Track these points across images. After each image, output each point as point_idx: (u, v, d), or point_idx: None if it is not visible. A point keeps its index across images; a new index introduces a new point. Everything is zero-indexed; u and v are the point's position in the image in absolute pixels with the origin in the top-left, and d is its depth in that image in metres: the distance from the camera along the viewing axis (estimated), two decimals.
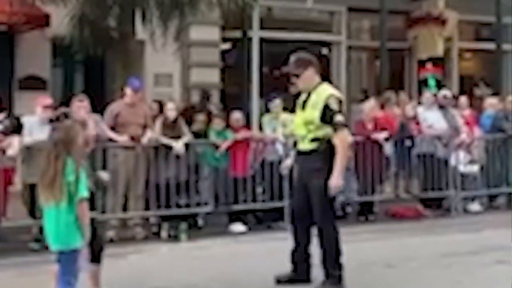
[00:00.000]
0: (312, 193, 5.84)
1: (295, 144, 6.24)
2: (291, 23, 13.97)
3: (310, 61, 6.00)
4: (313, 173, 5.80)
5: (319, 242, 5.89)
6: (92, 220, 4.99)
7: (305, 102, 5.92)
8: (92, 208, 5.21)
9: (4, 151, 7.77)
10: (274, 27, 13.60)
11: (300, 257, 6.03)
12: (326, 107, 5.73)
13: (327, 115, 5.71)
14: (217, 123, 9.05)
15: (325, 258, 5.87)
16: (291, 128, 9.02)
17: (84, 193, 4.65)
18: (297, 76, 5.94)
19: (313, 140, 5.80)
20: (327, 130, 5.76)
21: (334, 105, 5.75)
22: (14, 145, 7.69)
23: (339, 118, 5.73)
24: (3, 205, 7.88)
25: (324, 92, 5.86)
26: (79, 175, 4.63)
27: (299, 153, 6.00)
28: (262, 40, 13.40)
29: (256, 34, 13.23)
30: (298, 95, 9.60)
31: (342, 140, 5.77)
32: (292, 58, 6.02)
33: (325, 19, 14.42)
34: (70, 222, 4.64)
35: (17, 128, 7.77)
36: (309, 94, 5.93)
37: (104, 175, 5.62)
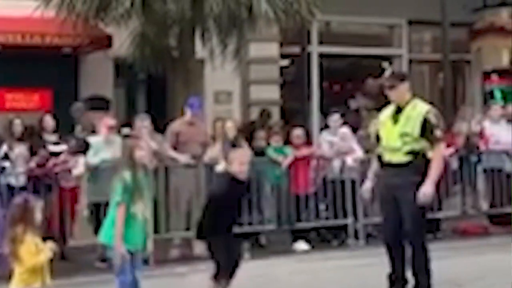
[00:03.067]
0: (405, 206, 5.82)
1: (378, 157, 6.13)
2: (350, 37, 13.84)
3: (405, 76, 6.19)
4: (408, 186, 5.79)
5: (411, 260, 5.88)
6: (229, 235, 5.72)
7: (396, 115, 5.95)
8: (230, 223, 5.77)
9: (70, 171, 7.93)
10: (333, 42, 13.50)
11: (398, 282, 6.00)
12: (425, 121, 5.81)
13: (427, 129, 5.80)
14: (276, 140, 9.01)
15: (416, 277, 5.89)
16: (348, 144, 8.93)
17: (117, 198, 5.28)
18: (391, 87, 5.98)
19: (409, 152, 5.83)
20: (423, 144, 5.83)
21: (433, 120, 5.85)
22: (79, 165, 7.83)
23: (438, 132, 5.85)
24: (70, 224, 8.01)
25: (422, 107, 5.94)
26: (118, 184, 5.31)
27: (389, 165, 5.95)
28: (321, 55, 13.32)
29: (315, 49, 13.15)
30: (357, 110, 9.42)
31: (440, 154, 5.96)
32: (388, 72, 6.15)
33: (385, 33, 14.24)
34: (111, 222, 5.36)
35: (84, 149, 7.92)
36: (400, 108, 5.95)
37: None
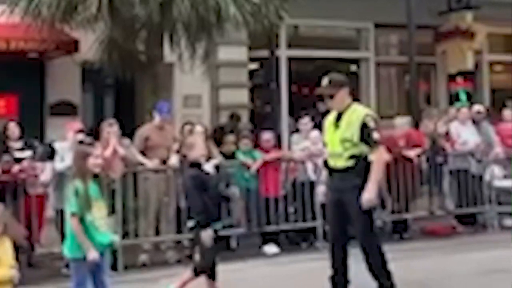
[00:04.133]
0: (352, 211, 5.88)
1: (325, 163, 6.20)
2: (318, 41, 13.95)
3: (343, 82, 6.12)
4: (352, 191, 5.85)
5: (366, 263, 5.92)
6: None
7: (337, 120, 6.00)
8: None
9: (37, 177, 7.84)
10: (301, 45, 13.59)
11: (340, 283, 6.06)
12: (364, 126, 5.86)
13: (365, 134, 5.85)
14: (245, 144, 9.03)
15: (378, 280, 5.94)
16: (319, 147, 8.99)
17: (71, 209, 5.27)
18: (331, 97, 6.02)
19: (351, 157, 5.89)
20: (363, 148, 5.88)
21: (371, 123, 5.90)
22: (46, 171, 7.75)
23: (376, 136, 5.88)
24: (38, 231, 7.92)
25: (360, 112, 5.99)
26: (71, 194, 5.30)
27: (334, 170, 6.03)
28: (290, 59, 13.40)
29: (283, 53, 13.24)
30: (327, 113, 9.54)
31: (380, 157, 5.95)
32: (326, 79, 6.11)
33: (353, 36, 14.37)
34: (69, 234, 5.35)
35: (50, 154, 7.84)
36: (340, 113, 6.00)
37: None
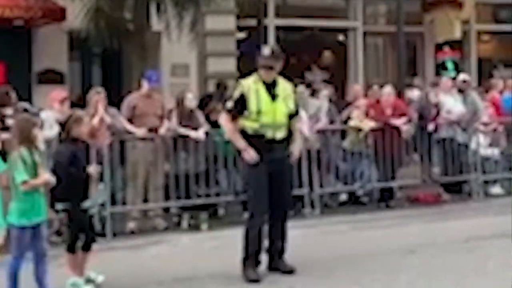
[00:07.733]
0: (286, 179, 6.15)
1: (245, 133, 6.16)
2: (306, 10, 13.90)
3: (280, 56, 6.18)
4: (286, 159, 6.15)
5: (282, 226, 6.19)
6: (85, 210, 5.82)
7: (272, 92, 6.03)
8: (85, 198, 5.81)
9: None
10: (289, 14, 13.54)
11: (252, 263, 6.18)
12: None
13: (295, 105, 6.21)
14: None
15: (284, 240, 6.23)
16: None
17: (20, 177, 5.19)
18: (271, 68, 6.05)
19: (287, 128, 6.15)
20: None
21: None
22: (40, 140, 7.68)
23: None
24: None
25: (288, 84, 6.19)
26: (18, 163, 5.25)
27: (273, 141, 6.06)
28: (278, 28, 13.36)
29: (271, 22, 13.19)
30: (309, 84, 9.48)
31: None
32: (268, 49, 6.20)
33: (341, 5, 14.33)
34: (15, 202, 5.30)
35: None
36: (268, 84, 6.02)
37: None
